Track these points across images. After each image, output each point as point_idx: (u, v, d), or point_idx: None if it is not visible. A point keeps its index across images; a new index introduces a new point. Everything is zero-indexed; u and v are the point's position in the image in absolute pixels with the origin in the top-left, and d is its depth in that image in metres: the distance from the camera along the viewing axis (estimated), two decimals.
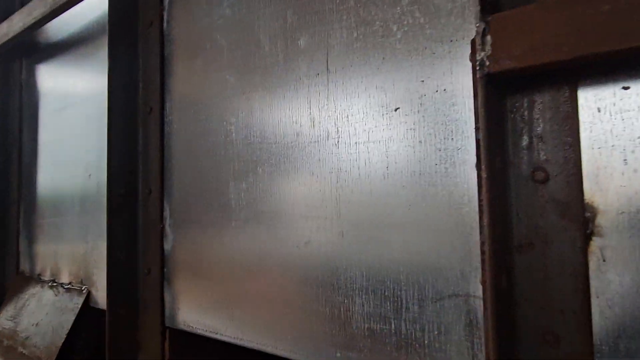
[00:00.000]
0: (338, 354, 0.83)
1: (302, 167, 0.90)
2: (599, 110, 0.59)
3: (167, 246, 1.19)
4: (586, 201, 0.60)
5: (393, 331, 0.76)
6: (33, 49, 1.90)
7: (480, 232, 0.62)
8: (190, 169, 1.14)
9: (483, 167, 0.59)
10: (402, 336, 0.75)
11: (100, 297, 1.43)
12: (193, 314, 1.12)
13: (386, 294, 0.77)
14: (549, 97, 0.61)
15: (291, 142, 0.93)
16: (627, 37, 0.50)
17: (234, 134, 1.04)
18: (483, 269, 0.61)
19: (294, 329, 0.90)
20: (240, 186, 1.02)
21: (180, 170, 1.17)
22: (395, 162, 0.77)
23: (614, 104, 0.58)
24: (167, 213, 1.20)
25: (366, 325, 0.79)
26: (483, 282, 0.61)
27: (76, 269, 1.53)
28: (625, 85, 0.57)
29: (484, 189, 0.59)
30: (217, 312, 1.06)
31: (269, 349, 0.95)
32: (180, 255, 1.16)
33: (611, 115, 0.58)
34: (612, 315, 0.57)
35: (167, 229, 1.19)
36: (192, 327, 1.12)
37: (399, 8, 0.77)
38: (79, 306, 1.44)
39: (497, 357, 0.58)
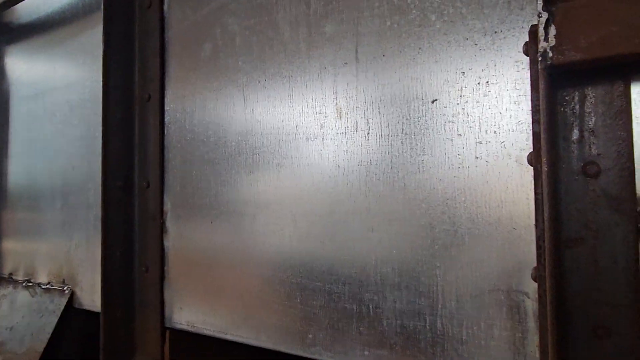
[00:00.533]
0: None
1: (327, 159, 0.87)
2: None
3: (168, 242, 1.12)
4: (638, 195, 0.60)
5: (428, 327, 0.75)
6: (4, 30, 1.74)
7: (536, 227, 0.61)
8: (196, 161, 1.08)
9: (544, 160, 0.58)
10: (434, 330, 0.74)
11: (86, 298, 1.33)
12: (198, 313, 1.06)
13: (421, 289, 0.76)
14: (602, 91, 0.61)
15: (314, 134, 0.89)
16: None
17: (246, 124, 0.99)
18: (539, 263, 0.61)
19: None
20: (251, 179, 0.97)
21: (183, 162, 1.10)
22: (432, 155, 0.76)
23: None
24: (167, 207, 1.13)
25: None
26: (539, 278, 0.60)
27: (57, 268, 1.42)
28: None
29: (543, 183, 0.59)
30: (225, 311, 1.01)
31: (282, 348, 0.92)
32: (183, 252, 1.10)
33: None
34: None
35: (168, 224, 1.12)
36: (197, 327, 1.06)
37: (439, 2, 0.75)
38: (62, 307, 1.33)
39: (555, 353, 0.58)
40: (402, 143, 0.79)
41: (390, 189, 0.79)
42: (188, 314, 1.08)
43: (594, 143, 0.62)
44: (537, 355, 0.65)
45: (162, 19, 1.15)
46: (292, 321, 0.90)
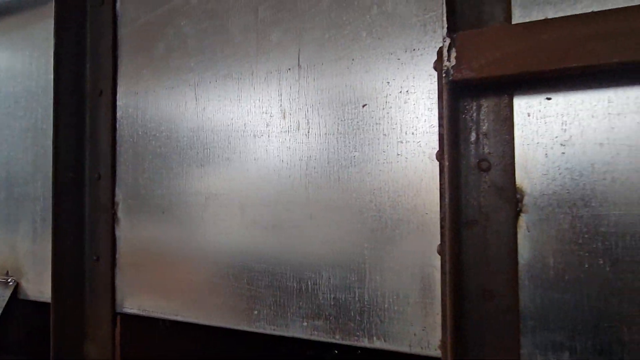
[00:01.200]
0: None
1: (272, 154, 0.97)
2: (528, 115, 0.75)
3: (120, 232, 1.17)
4: (517, 186, 0.76)
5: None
6: None
7: (440, 211, 0.75)
8: (148, 154, 1.14)
9: (446, 157, 0.72)
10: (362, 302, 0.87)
11: (33, 289, 1.35)
12: (150, 298, 1.12)
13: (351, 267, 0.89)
14: (493, 102, 0.76)
15: (260, 131, 0.99)
16: (554, 60, 0.67)
17: (198, 121, 1.07)
18: (442, 240, 0.75)
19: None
20: (202, 172, 1.06)
21: (135, 155, 1.16)
22: (362, 152, 0.88)
23: (540, 111, 0.75)
24: (119, 198, 1.18)
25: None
26: (442, 252, 0.75)
27: (1, 261, 1.42)
28: (548, 96, 0.74)
29: (445, 175, 0.73)
30: (177, 295, 1.09)
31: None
32: (135, 241, 1.15)
33: (537, 119, 0.75)
34: (535, 274, 0.74)
35: (120, 215, 1.17)
36: (148, 311, 1.13)
37: (368, 17, 0.88)
38: (6, 299, 1.34)
39: (452, 314, 0.72)
40: (337, 141, 0.91)
41: (326, 181, 0.91)
42: (139, 299, 1.14)
43: (486, 144, 0.77)
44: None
45: (115, 16, 1.20)
46: (239, 300, 1.00)
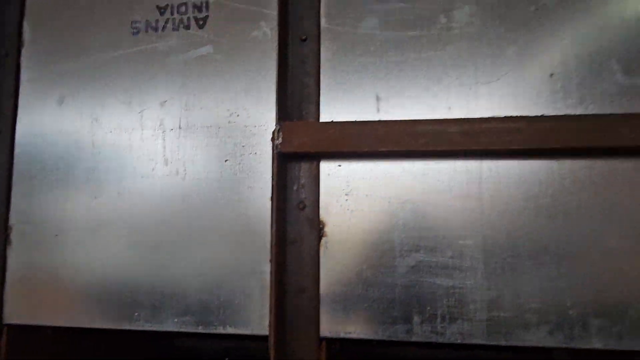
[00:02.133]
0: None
1: (155, 192, 1.28)
2: (328, 175, 1.20)
3: (12, 252, 1.35)
4: (321, 219, 1.20)
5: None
6: None
7: (271, 234, 1.15)
8: (45, 184, 1.35)
9: (274, 199, 1.13)
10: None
11: None
12: (36, 309, 1.32)
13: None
14: (307, 166, 1.20)
15: (147, 174, 1.30)
16: (339, 145, 1.13)
17: (94, 162, 1.33)
18: (271, 254, 1.15)
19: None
20: (94, 204, 1.31)
21: (32, 185, 1.36)
22: (224, 193, 1.25)
23: (335, 173, 1.20)
24: (12, 222, 1.35)
25: None
26: (271, 262, 1.14)
27: None
28: (339, 164, 1.20)
29: (274, 212, 1.13)
30: (59, 305, 1.30)
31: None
32: (26, 259, 1.34)
33: (333, 178, 1.20)
34: (331, 275, 1.18)
35: (12, 237, 1.35)
36: (35, 319, 1.31)
37: (237, 101, 1.27)
38: None
39: (275, 304, 1.12)
40: (206, 184, 1.26)
41: (198, 213, 1.26)
42: (28, 310, 1.32)
43: (303, 192, 1.20)
44: None
45: (18, 66, 1.40)
46: (122, 306, 1.27)
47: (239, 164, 1.25)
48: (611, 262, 1.07)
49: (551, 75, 1.13)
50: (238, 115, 1.26)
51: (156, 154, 1.30)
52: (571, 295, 1.08)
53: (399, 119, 1.17)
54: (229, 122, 1.26)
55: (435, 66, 1.19)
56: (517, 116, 1.08)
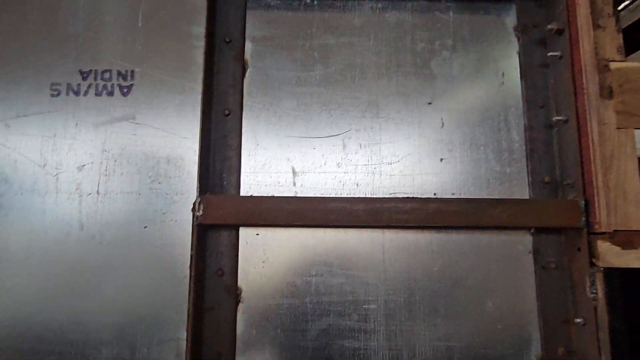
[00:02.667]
0: None
1: (71, 254, 1.26)
2: (247, 243, 1.28)
3: None
4: (238, 285, 1.26)
5: None
6: None
7: (188, 302, 1.19)
8: None
9: (193, 268, 1.18)
10: None
11: None
12: None
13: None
14: (227, 235, 1.27)
15: (62, 239, 1.27)
16: (253, 218, 1.21)
17: (4, 227, 1.28)
18: (188, 321, 1.18)
19: None
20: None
21: None
22: (133, 261, 1.27)
23: (253, 241, 1.28)
24: None
25: None
26: (187, 329, 1.18)
27: None
28: (257, 233, 1.28)
29: (192, 280, 1.18)
30: None
31: None
32: None
33: (251, 246, 1.28)
34: (248, 340, 1.23)
35: None
36: None
37: (152, 170, 1.30)
38: None
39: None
40: (119, 249, 1.27)
41: (107, 270, 1.25)
42: None
43: (221, 259, 1.26)
44: None
45: None
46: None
47: (159, 230, 1.28)
48: (489, 322, 1.26)
49: (441, 160, 1.33)
50: (160, 183, 1.30)
51: (71, 218, 1.28)
52: (459, 353, 1.24)
53: (313, 193, 1.29)
54: (150, 189, 1.30)
55: (346, 146, 1.33)
56: (412, 197, 1.25)
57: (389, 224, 1.21)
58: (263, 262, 1.27)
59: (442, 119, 1.35)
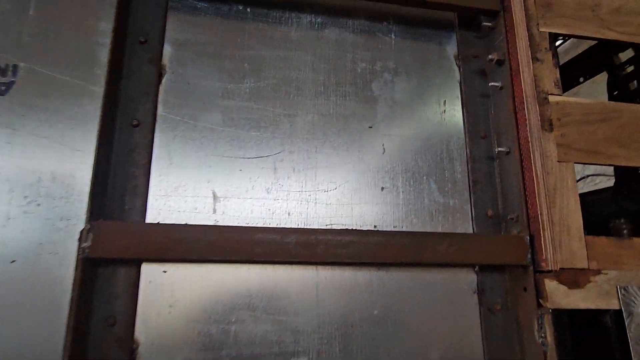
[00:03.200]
0: None
1: None
2: (150, 282, 1.03)
3: None
4: (135, 337, 1.00)
5: None
6: None
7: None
8: None
9: (72, 315, 0.90)
10: None
11: None
12: None
13: None
14: (124, 272, 1.01)
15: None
16: (161, 251, 0.98)
17: None
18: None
19: None
20: None
21: None
22: (6, 307, 0.96)
23: (159, 280, 1.04)
24: None
25: None
26: None
27: None
28: (165, 269, 1.04)
29: (70, 331, 0.90)
30: None
31: None
32: None
33: (156, 286, 1.03)
34: None
35: None
36: None
37: (30, 188, 1.03)
38: None
39: None
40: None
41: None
42: None
43: (113, 303, 1.00)
44: None
45: None
46: None
47: (32, 266, 0.99)
48: None
49: (382, 189, 1.20)
50: (38, 205, 1.02)
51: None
52: None
53: (237, 222, 1.09)
54: (25, 212, 1.01)
55: (278, 169, 1.16)
56: (350, 229, 1.10)
57: (325, 260, 1.04)
58: (170, 306, 1.03)
59: (383, 145, 1.24)
